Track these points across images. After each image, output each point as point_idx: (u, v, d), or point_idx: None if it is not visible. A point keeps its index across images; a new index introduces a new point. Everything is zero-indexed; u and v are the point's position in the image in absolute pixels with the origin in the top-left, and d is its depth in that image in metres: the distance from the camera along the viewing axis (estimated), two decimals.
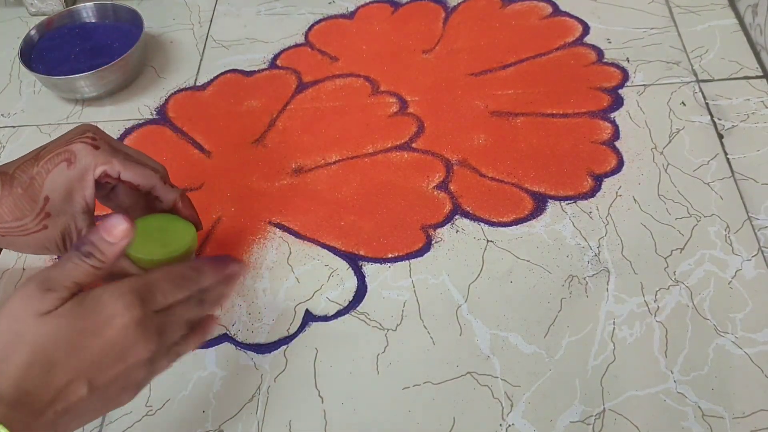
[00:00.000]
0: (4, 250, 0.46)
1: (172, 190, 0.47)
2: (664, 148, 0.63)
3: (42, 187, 0.41)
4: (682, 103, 0.66)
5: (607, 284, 0.54)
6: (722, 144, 0.63)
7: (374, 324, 0.54)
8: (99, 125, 0.70)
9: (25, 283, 0.36)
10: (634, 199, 0.59)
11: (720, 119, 0.64)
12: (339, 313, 0.55)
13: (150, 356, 0.37)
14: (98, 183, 0.44)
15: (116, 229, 0.37)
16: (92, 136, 0.44)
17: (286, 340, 0.54)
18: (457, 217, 0.60)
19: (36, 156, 0.43)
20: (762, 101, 0.65)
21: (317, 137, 0.68)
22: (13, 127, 0.73)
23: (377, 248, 0.59)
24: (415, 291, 0.56)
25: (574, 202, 0.60)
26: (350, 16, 0.81)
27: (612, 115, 0.66)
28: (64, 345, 0.35)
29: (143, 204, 0.49)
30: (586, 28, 0.75)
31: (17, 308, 0.35)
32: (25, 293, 0.35)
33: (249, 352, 0.54)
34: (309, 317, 0.55)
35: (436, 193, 0.62)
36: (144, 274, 0.39)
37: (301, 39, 0.79)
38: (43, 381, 0.34)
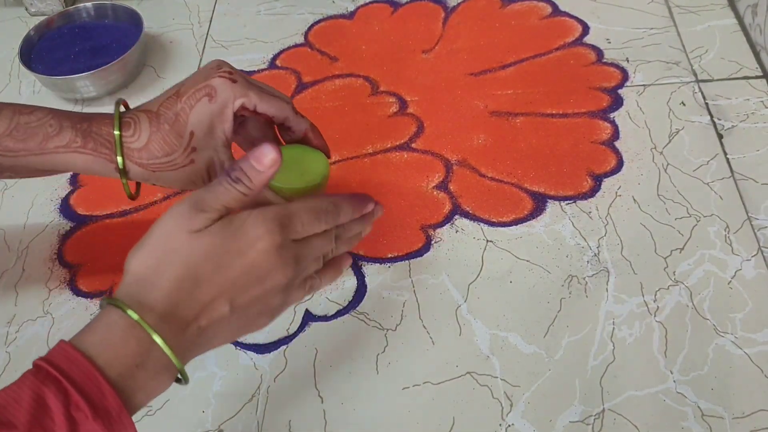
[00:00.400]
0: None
1: (303, 120, 0.48)
2: (663, 148, 0.63)
3: (187, 123, 0.43)
4: (682, 103, 0.66)
5: (607, 284, 0.54)
6: (722, 144, 0.63)
7: (374, 324, 0.54)
8: None
9: (178, 204, 0.37)
10: (634, 199, 0.59)
11: (720, 119, 0.64)
12: (339, 313, 0.55)
13: (286, 282, 0.38)
14: (235, 117, 0.45)
15: (266, 158, 0.37)
16: (229, 70, 0.44)
17: (286, 340, 0.54)
18: (456, 217, 0.60)
19: (177, 92, 0.44)
20: (761, 101, 0.65)
21: None
22: None
23: (377, 248, 0.59)
24: (414, 291, 0.56)
25: (574, 202, 0.60)
26: (350, 16, 0.81)
27: (612, 115, 0.66)
28: (212, 263, 0.36)
29: (272, 136, 0.50)
30: (585, 28, 0.75)
31: (170, 226, 0.37)
32: (178, 212, 0.37)
33: (249, 352, 0.54)
34: (309, 317, 0.55)
35: (435, 193, 0.62)
36: (285, 204, 0.40)
37: (300, 39, 0.79)
38: (191, 296, 0.36)
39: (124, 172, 0.43)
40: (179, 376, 0.37)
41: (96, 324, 0.35)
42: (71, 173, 0.68)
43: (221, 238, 0.37)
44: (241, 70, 0.45)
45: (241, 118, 0.47)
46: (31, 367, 0.33)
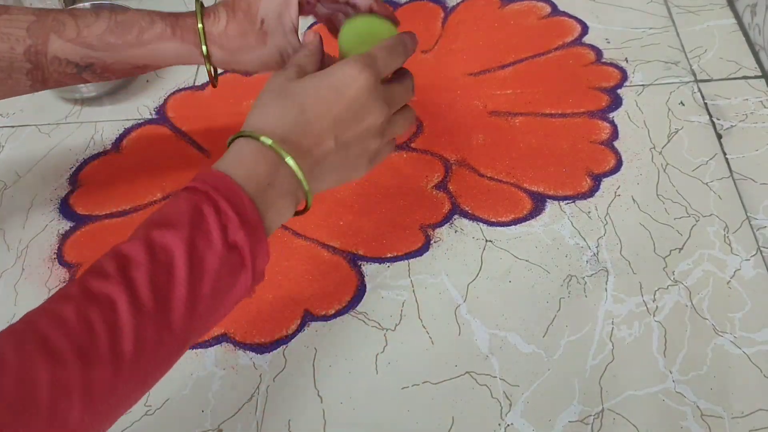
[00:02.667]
0: None
1: None
2: (662, 147, 0.63)
3: (258, 11, 0.47)
4: (681, 103, 0.66)
5: (606, 284, 0.54)
6: (721, 144, 0.63)
7: (373, 324, 0.54)
8: (98, 125, 0.70)
9: (277, 72, 0.44)
10: (633, 199, 0.59)
11: (719, 119, 0.64)
12: (338, 313, 0.55)
13: (382, 122, 0.43)
14: (300, 5, 0.49)
15: (306, 38, 0.47)
16: None
17: (285, 339, 0.54)
18: (455, 216, 0.60)
19: None
20: (760, 101, 0.65)
21: None
22: (12, 126, 0.73)
23: (376, 248, 0.59)
24: (414, 291, 0.56)
25: (573, 201, 0.60)
26: None
27: (611, 115, 0.66)
28: (318, 100, 0.41)
29: (341, 19, 0.52)
30: (584, 28, 0.75)
31: (277, 80, 0.43)
32: (280, 73, 0.43)
33: (248, 352, 0.54)
34: (308, 317, 0.55)
35: (434, 192, 0.62)
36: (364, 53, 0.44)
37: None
38: (303, 129, 0.41)
39: (207, 56, 0.48)
40: (298, 209, 0.42)
41: (228, 154, 0.40)
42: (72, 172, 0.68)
43: (323, 81, 0.42)
44: None
45: (309, 5, 0.51)
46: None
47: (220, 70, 0.50)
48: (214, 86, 0.51)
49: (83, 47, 0.48)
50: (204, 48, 0.48)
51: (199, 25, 0.48)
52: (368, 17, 0.50)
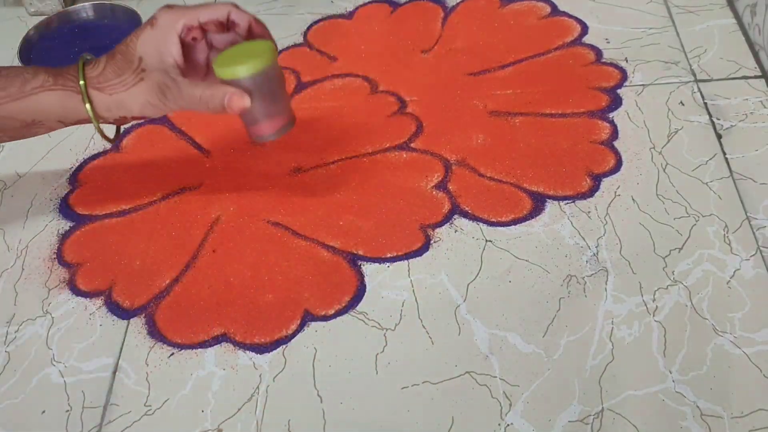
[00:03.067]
0: None
1: (245, 14, 0.51)
2: (662, 147, 0.63)
3: (135, 50, 0.49)
4: (681, 102, 0.66)
5: (606, 284, 0.54)
6: (721, 144, 0.63)
7: (373, 324, 0.54)
8: None
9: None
10: (633, 199, 0.59)
11: (718, 119, 0.64)
12: (338, 313, 0.55)
13: None
14: (186, 43, 0.50)
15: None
16: (169, 4, 0.51)
17: (285, 339, 0.54)
18: (455, 216, 0.60)
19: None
20: (760, 101, 0.65)
21: (316, 137, 0.68)
22: None
23: (376, 248, 0.59)
24: (413, 291, 0.56)
25: (573, 201, 0.60)
26: (349, 16, 0.81)
27: (611, 115, 0.66)
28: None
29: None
30: (584, 28, 0.75)
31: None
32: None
33: (248, 352, 0.54)
34: (308, 317, 0.55)
35: (434, 192, 0.62)
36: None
37: (299, 39, 0.79)
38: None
39: (87, 98, 0.49)
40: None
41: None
42: (67, 173, 0.68)
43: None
44: None
45: (195, 42, 0.51)
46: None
47: (115, 126, 0.53)
48: (110, 142, 0.53)
49: None
50: (82, 83, 0.49)
51: (80, 64, 0.49)
52: (242, 43, 0.51)
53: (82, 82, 0.49)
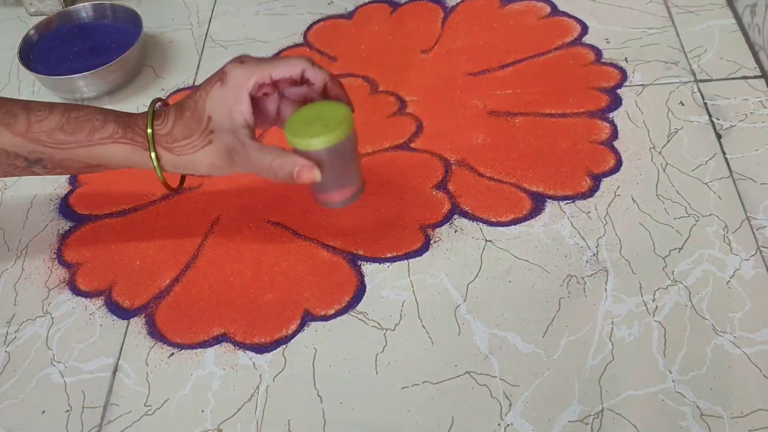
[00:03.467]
0: None
1: (322, 71, 0.49)
2: (662, 147, 0.63)
3: (204, 109, 0.47)
4: (681, 102, 0.66)
5: (606, 284, 0.54)
6: (720, 144, 0.63)
7: (373, 324, 0.54)
8: None
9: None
10: (633, 199, 0.59)
11: (718, 119, 0.64)
12: (338, 313, 0.55)
13: None
14: (257, 99, 0.48)
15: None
16: (240, 57, 0.48)
17: (285, 339, 0.54)
18: (455, 216, 0.60)
19: (198, 85, 0.49)
20: (760, 101, 0.65)
21: None
22: None
23: (376, 248, 0.59)
24: (413, 291, 0.56)
25: (573, 201, 0.60)
26: (349, 16, 0.81)
27: (610, 115, 0.66)
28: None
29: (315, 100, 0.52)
30: (584, 28, 0.75)
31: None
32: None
33: (248, 352, 0.54)
34: (307, 317, 0.55)
35: (434, 192, 0.62)
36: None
37: (299, 39, 0.79)
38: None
39: (156, 158, 0.47)
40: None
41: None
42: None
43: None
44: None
45: (267, 97, 0.49)
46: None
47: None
48: (172, 191, 0.52)
49: (32, 142, 0.47)
50: (153, 154, 0.47)
51: (149, 130, 0.47)
52: (318, 104, 0.49)
53: (153, 154, 0.47)
